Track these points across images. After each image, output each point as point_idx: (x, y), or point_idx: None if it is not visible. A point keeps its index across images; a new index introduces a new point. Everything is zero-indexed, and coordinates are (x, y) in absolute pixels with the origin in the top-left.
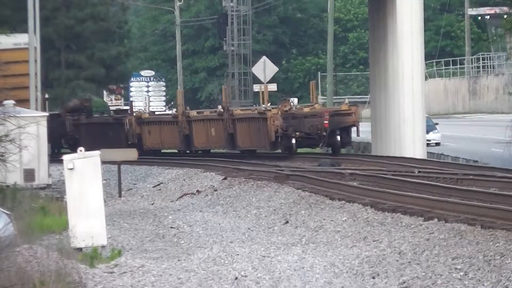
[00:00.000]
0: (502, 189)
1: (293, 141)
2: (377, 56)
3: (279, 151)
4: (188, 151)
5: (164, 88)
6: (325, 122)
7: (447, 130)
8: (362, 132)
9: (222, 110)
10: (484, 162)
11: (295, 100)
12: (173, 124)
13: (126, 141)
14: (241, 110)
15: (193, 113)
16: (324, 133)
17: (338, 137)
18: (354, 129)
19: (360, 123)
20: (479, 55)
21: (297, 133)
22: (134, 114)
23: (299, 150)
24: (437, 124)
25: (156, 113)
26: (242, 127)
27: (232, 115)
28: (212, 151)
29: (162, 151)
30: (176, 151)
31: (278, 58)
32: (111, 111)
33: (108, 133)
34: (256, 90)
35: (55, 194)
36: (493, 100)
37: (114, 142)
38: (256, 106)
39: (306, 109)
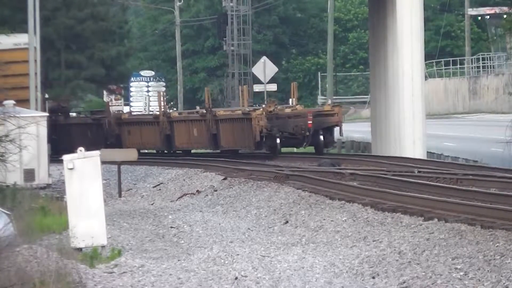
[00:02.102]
0: (502, 189)
1: (278, 141)
2: (377, 56)
3: (263, 151)
4: (166, 151)
5: (164, 88)
6: (309, 122)
7: (447, 130)
8: (362, 132)
9: (204, 111)
10: (484, 162)
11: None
12: (154, 125)
13: (105, 142)
14: (224, 111)
15: (175, 113)
16: (308, 133)
17: (321, 137)
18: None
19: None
20: (479, 55)
21: (281, 133)
22: (112, 114)
23: (283, 150)
24: None
25: (134, 113)
26: (226, 128)
27: (215, 116)
28: (193, 151)
29: (141, 151)
30: (155, 151)
31: (278, 58)
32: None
33: (87, 134)
34: (256, 90)
35: (55, 194)
36: (493, 100)
37: (93, 143)
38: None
39: (288, 110)
